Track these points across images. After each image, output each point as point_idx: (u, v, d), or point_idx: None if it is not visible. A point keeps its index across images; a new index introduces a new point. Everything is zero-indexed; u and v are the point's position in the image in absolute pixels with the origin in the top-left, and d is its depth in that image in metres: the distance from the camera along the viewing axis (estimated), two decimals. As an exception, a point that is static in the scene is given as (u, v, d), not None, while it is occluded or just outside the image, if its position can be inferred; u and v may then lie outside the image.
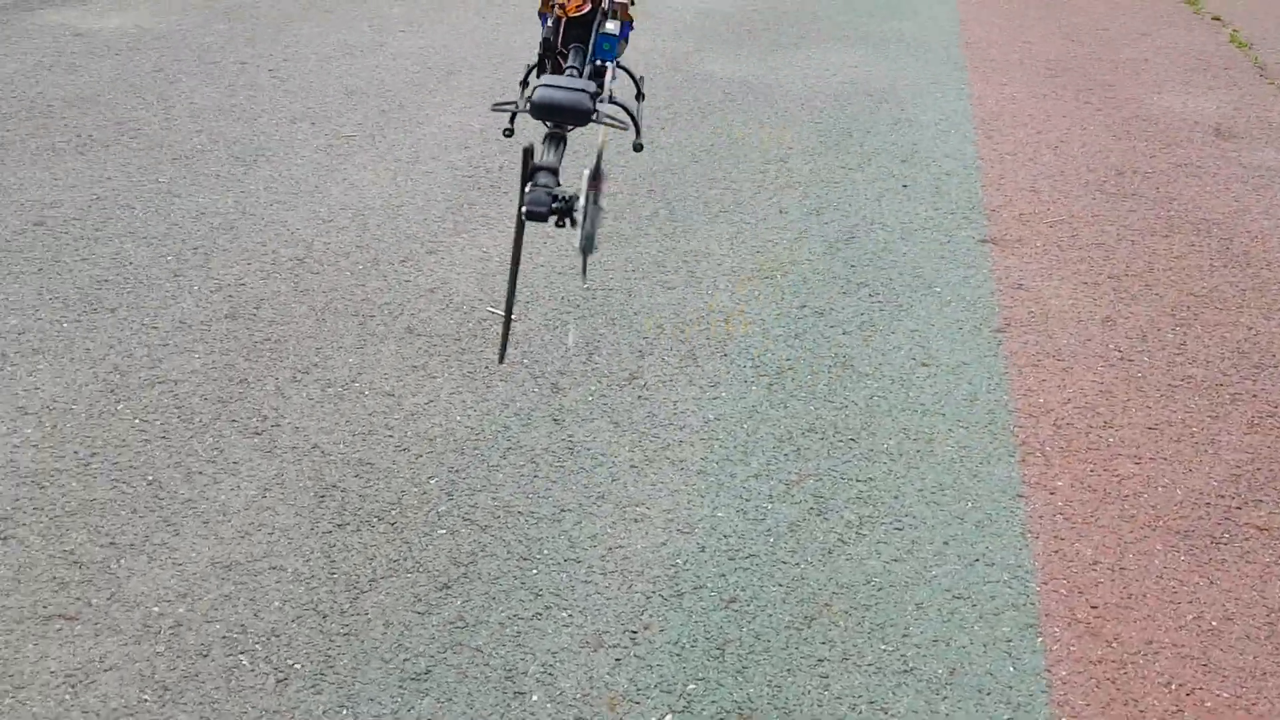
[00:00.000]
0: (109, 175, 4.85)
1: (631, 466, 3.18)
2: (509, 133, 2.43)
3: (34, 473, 3.01)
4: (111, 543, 2.79)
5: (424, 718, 2.35)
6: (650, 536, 2.92)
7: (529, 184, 2.08)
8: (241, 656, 2.49)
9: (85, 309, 3.79)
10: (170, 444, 3.17)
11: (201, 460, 3.11)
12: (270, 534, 2.85)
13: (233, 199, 4.68)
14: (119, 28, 7.03)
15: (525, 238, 2.44)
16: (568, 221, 2.06)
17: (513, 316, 2.21)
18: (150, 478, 3.03)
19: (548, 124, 2.22)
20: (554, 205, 2.05)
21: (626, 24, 2.90)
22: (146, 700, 2.36)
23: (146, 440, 3.18)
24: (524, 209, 2.07)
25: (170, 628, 2.55)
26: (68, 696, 2.36)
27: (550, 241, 4.43)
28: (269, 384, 3.46)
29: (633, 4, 2.86)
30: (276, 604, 2.63)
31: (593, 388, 3.54)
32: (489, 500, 3.02)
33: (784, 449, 3.29)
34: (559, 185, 2.10)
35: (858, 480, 3.16)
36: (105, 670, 2.43)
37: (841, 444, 3.32)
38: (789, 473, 3.18)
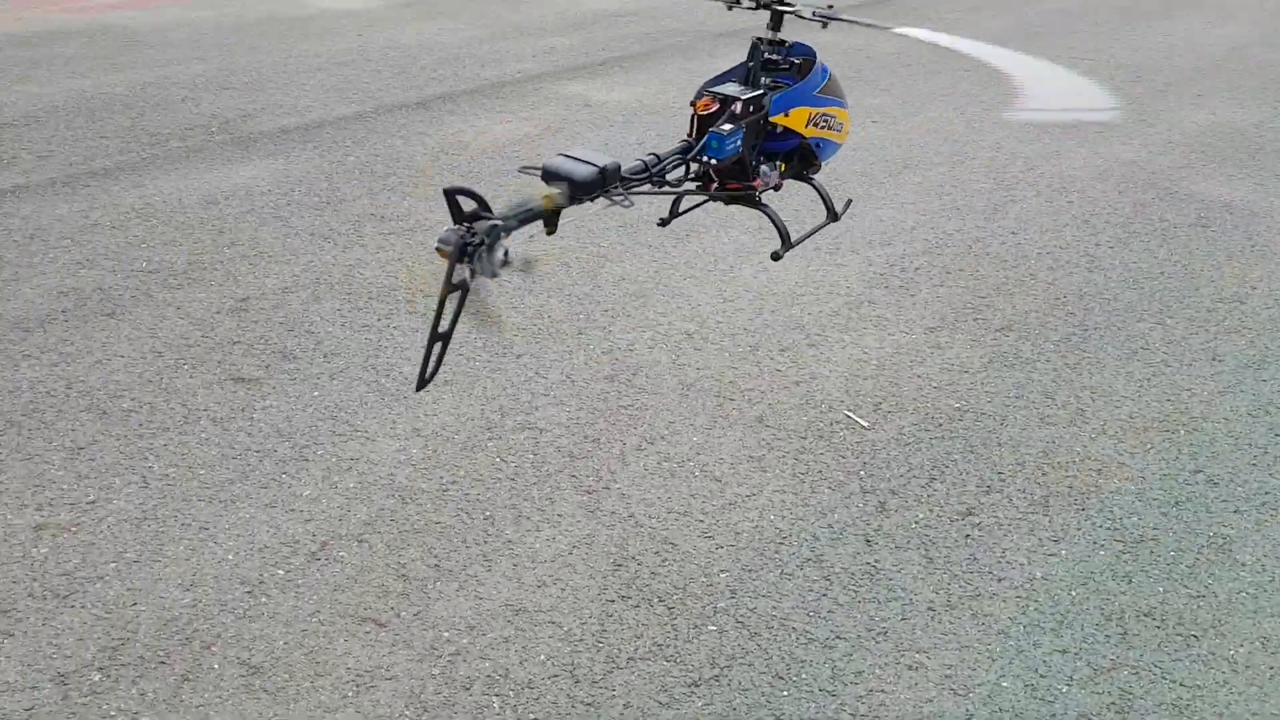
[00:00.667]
0: (560, 235, 5.45)
1: (929, 608, 3.02)
2: (628, 204, 2.50)
3: (403, 489, 3.48)
4: (436, 565, 3.16)
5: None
6: (918, 690, 2.76)
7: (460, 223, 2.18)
8: (494, 698, 2.72)
9: (497, 352, 4.31)
10: (515, 486, 3.51)
11: (533, 506, 3.41)
12: (562, 590, 3.07)
13: (655, 269, 5.05)
14: (621, 101, 7.83)
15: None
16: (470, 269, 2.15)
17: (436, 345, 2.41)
18: (487, 513, 3.38)
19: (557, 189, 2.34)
20: (461, 246, 2.13)
21: (827, 143, 2.99)
22: (407, 716, 2.66)
23: (498, 479, 3.55)
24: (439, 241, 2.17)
25: (450, 655, 2.84)
26: (350, 694, 2.72)
27: (932, 355, 4.30)
28: (615, 448, 3.71)
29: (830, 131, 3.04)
30: (541, 657, 2.84)
31: (920, 515, 3.40)
32: (768, 608, 3.01)
33: (1107, 629, 2.95)
34: (484, 236, 2.14)
35: (1181, 685, 2.76)
36: (387, 679, 2.76)
37: (1178, 638, 2.91)
38: (1102, 657, 2.85)
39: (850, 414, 3.93)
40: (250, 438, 3.68)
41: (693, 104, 2.73)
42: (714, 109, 2.66)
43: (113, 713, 2.62)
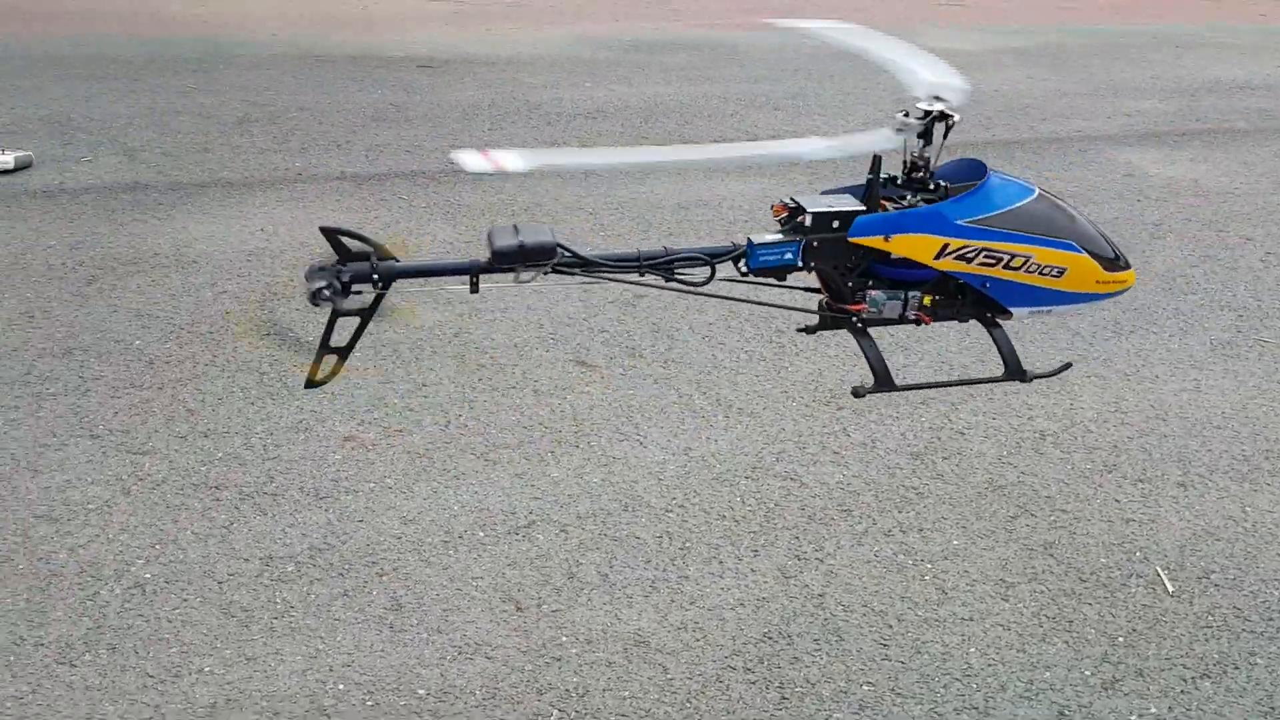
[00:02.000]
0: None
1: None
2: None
3: (632, 497, 3.53)
4: (605, 575, 3.18)
5: None
6: None
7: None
8: (556, 710, 2.70)
9: (819, 400, 4.14)
10: (733, 529, 3.40)
11: (732, 553, 3.29)
12: (695, 639, 2.94)
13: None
14: (1170, 177, 6.92)
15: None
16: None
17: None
18: (685, 544, 3.32)
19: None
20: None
21: (1014, 286, 2.34)
22: (477, 695, 2.74)
23: (724, 517, 3.45)
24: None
25: (550, 658, 2.87)
26: (447, 658, 2.87)
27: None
28: (861, 523, 3.42)
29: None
30: (625, 694, 2.76)
31: None
32: (884, 741, 2.61)
33: None
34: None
35: None
36: (485, 657, 2.87)
37: None
38: None
39: (1161, 571, 3.21)
40: (551, 414, 3.96)
41: (773, 207, 2.54)
42: (783, 215, 2.48)
43: (280, 601, 3.03)
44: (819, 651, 2.92)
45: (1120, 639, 2.98)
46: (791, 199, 2.44)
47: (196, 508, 3.36)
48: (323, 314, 2.38)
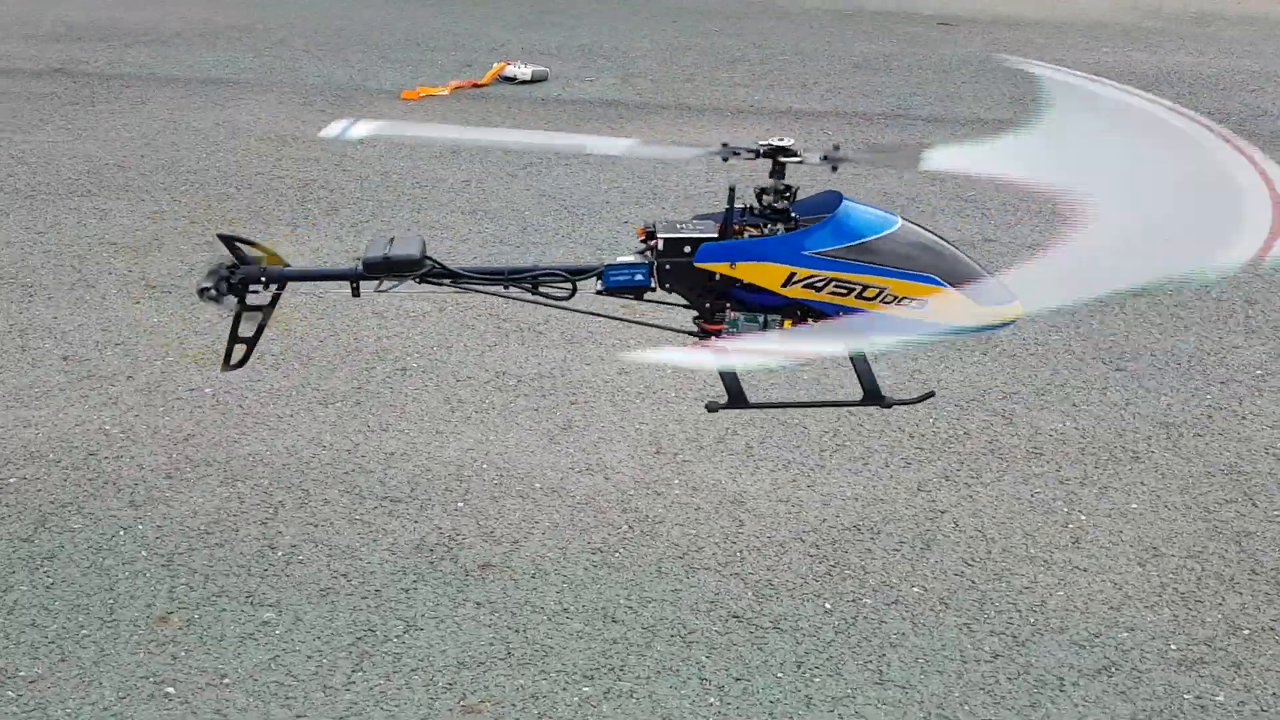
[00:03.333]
0: None
1: None
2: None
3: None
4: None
5: None
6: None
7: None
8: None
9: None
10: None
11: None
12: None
13: None
14: None
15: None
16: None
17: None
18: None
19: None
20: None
21: (867, 315, 2.36)
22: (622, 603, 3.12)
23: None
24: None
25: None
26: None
27: None
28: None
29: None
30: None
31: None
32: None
33: None
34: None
35: None
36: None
37: None
38: None
39: None
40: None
41: (637, 229, 2.55)
42: (643, 237, 2.50)
43: (487, 401, 3.63)
44: (895, 552, 2.88)
45: (1245, 632, 2.55)
46: (652, 223, 2.50)
47: (478, 328, 4.07)
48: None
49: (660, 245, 2.46)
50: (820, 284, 2.39)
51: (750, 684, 2.48)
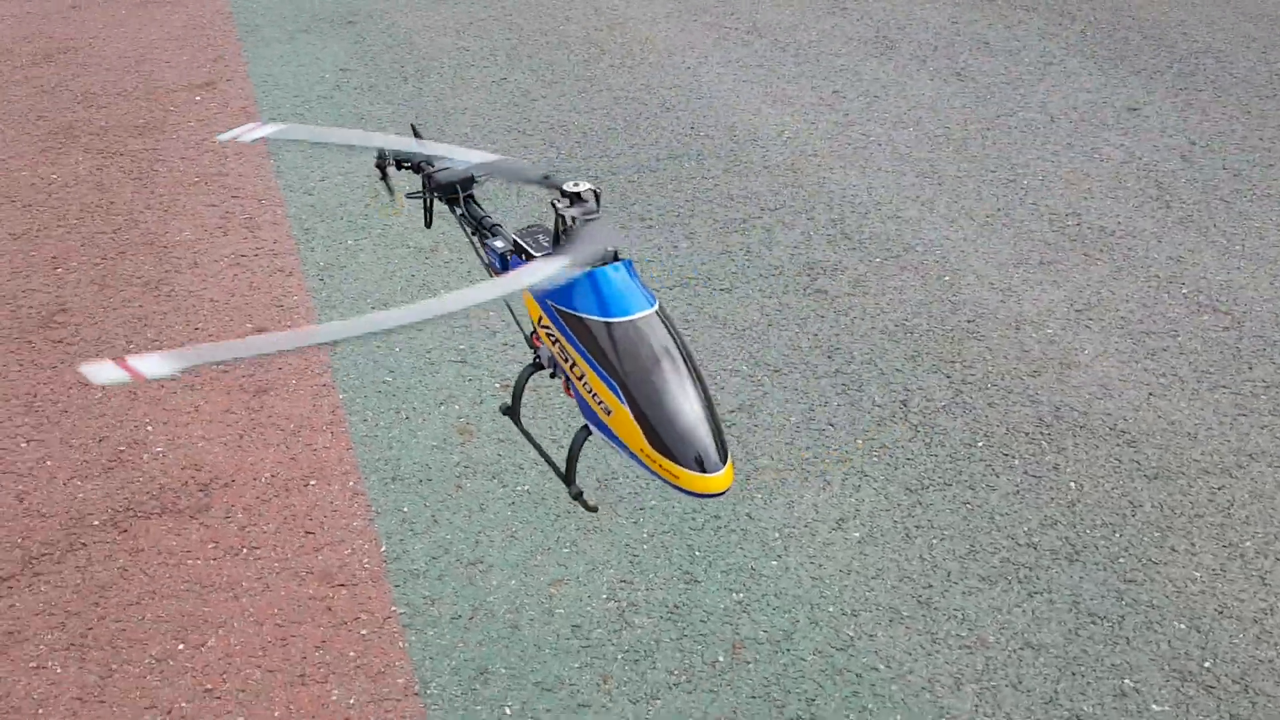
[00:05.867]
0: None
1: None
2: None
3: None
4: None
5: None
6: None
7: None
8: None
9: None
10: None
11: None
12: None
13: None
14: None
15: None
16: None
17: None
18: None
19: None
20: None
21: (631, 452, 1.98)
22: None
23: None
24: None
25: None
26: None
27: None
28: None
29: None
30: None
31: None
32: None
33: None
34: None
35: None
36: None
37: None
38: None
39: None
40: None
41: None
42: None
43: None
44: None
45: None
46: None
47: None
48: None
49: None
50: (552, 337, 2.16)
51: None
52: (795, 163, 5.22)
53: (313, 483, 3.30)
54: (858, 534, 3.15)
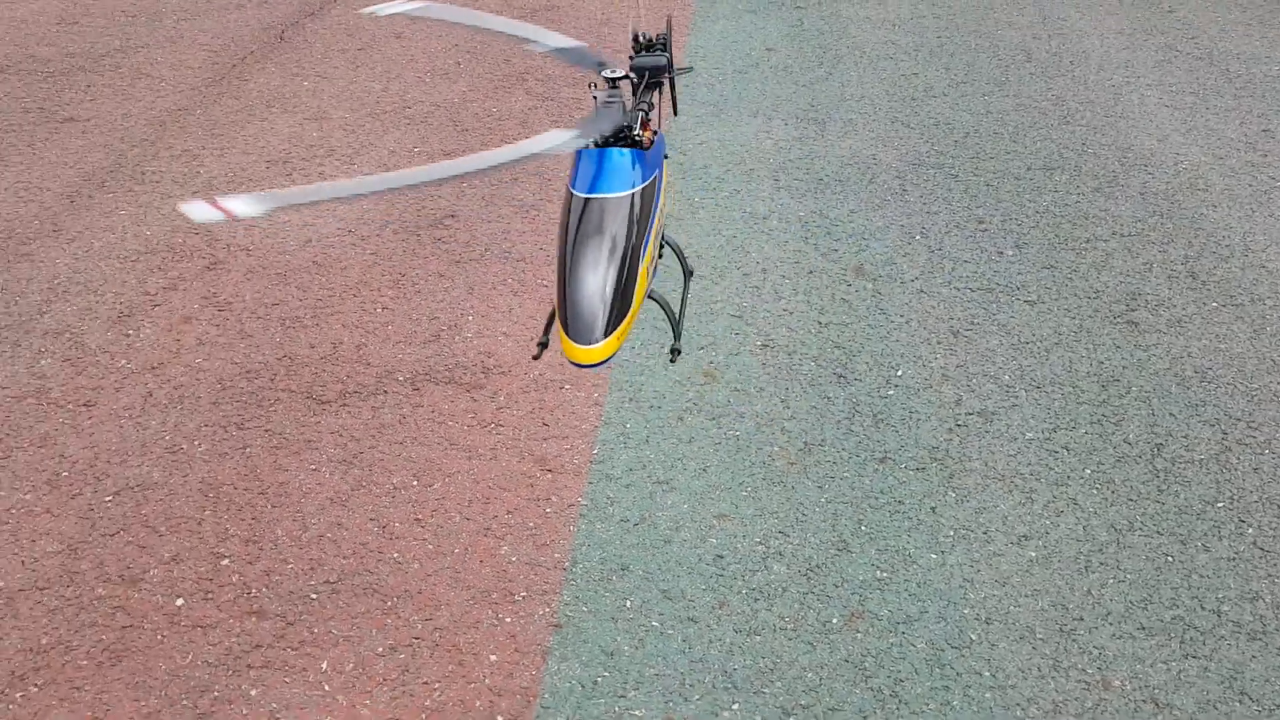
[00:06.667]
0: None
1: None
2: None
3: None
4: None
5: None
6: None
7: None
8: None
9: None
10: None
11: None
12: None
13: None
14: None
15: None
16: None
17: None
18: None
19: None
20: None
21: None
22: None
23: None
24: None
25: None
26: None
27: None
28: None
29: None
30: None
31: None
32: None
33: None
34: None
35: None
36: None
37: None
38: None
39: None
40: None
41: None
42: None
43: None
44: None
45: None
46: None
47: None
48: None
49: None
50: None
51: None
52: (1176, 194, 4.87)
53: (566, 387, 3.81)
54: (1034, 553, 3.08)
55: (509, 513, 3.31)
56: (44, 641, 2.95)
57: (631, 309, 2.26)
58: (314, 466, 3.50)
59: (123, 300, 4.33)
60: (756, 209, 4.87)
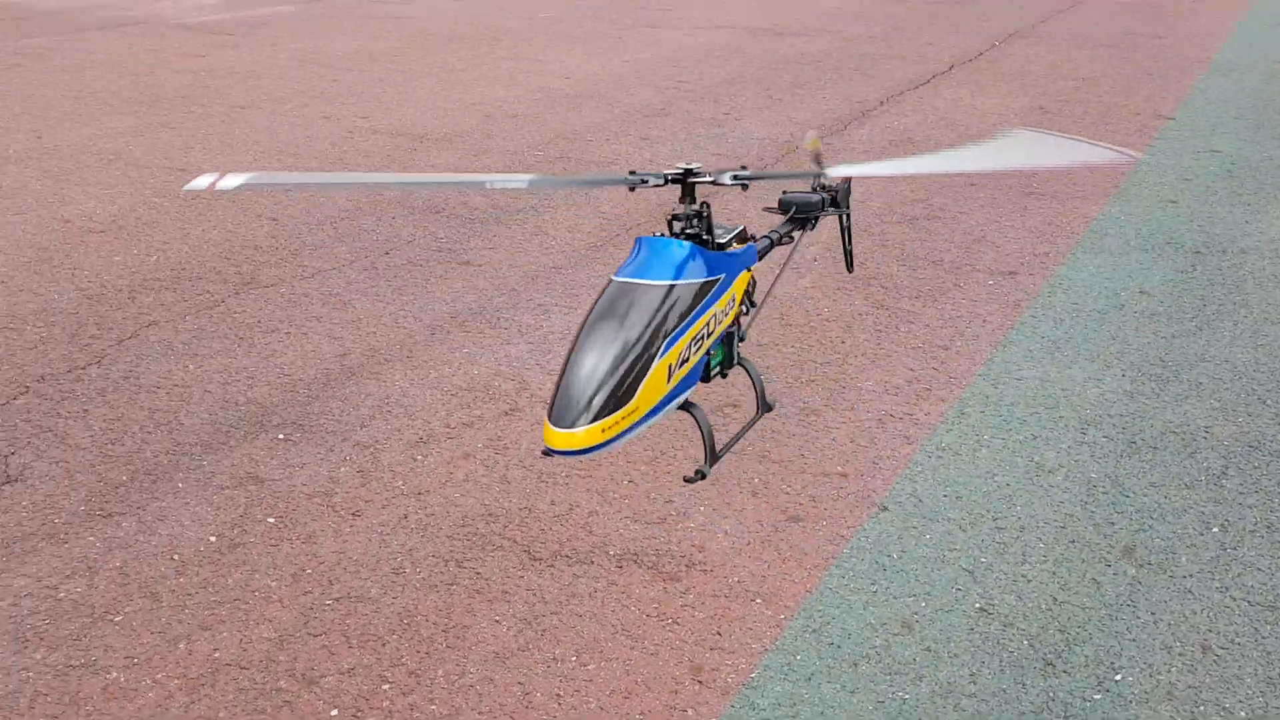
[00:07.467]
0: None
1: None
2: None
3: None
4: None
5: None
6: None
7: None
8: None
9: None
10: None
11: None
12: None
13: None
14: None
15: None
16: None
17: None
18: None
19: None
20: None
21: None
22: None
23: None
24: None
25: None
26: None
27: None
28: None
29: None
30: None
31: None
32: None
33: None
34: None
35: None
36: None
37: None
38: None
39: None
40: None
41: None
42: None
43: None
44: None
45: None
46: None
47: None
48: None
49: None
50: None
51: None
52: None
53: (757, 601, 3.74)
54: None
55: (640, 715, 3.29)
56: (220, 716, 3.36)
57: (631, 404, 2.16)
58: (498, 618, 3.71)
59: (428, 428, 4.88)
60: (1046, 460, 4.52)
